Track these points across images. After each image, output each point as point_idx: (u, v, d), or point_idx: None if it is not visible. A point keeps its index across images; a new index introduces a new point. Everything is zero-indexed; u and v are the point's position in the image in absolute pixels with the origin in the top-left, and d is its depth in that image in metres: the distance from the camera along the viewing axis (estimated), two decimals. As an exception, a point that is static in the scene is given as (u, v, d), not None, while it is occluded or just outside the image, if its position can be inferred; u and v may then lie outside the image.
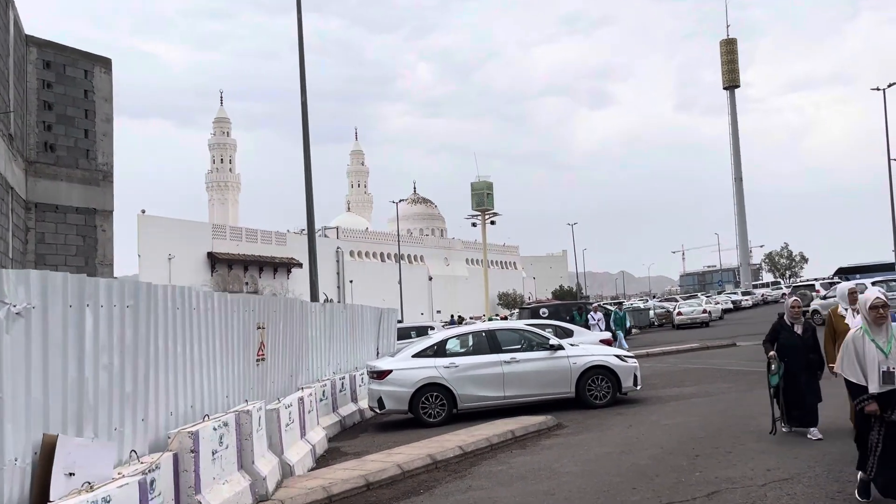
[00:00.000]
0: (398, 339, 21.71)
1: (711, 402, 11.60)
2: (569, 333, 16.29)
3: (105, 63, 16.92)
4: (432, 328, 23.43)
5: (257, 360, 9.39)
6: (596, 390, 12.18)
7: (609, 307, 30.64)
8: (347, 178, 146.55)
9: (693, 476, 7.03)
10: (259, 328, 9.46)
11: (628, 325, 25.73)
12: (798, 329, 8.36)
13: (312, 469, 9.04)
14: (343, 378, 13.33)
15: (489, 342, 12.48)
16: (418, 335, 22.40)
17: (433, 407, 11.86)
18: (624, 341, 23.85)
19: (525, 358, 12.23)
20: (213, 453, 6.44)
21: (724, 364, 17.58)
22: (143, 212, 74.69)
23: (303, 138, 19.84)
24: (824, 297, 30.76)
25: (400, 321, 54.73)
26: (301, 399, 9.78)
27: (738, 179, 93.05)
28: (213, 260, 79.68)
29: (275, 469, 7.83)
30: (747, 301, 63.05)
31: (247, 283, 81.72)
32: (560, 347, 12.36)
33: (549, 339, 12.61)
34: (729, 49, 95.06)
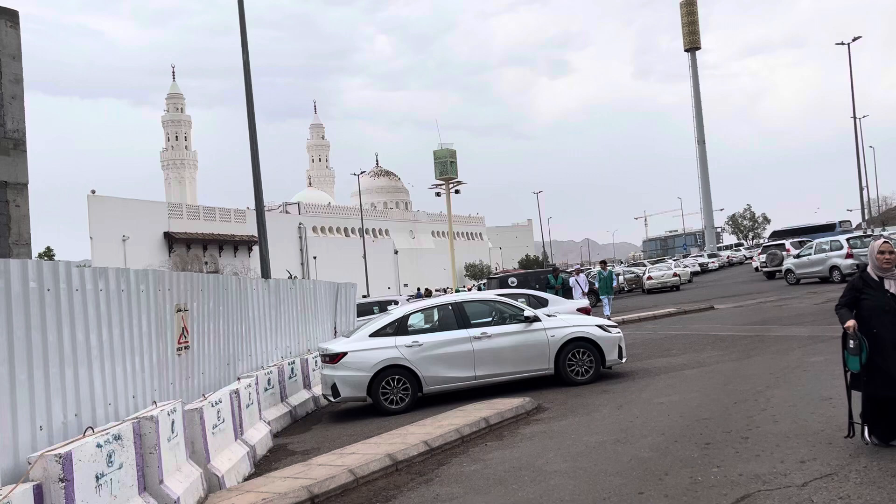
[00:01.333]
0: (361, 316, 20.27)
1: (707, 375, 10.36)
2: (543, 303, 14.95)
3: (11, 16, 14.80)
4: (395, 302, 21.95)
5: (178, 349, 7.82)
6: (577, 365, 10.87)
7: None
8: (308, 153, 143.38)
9: (710, 473, 5.71)
10: (179, 311, 7.88)
11: (615, 285, 23.94)
12: (892, 286, 5.76)
13: (249, 477, 7.55)
14: (293, 363, 11.80)
15: (456, 316, 11.04)
16: (381, 310, 20.92)
17: (395, 392, 10.42)
18: (608, 307, 22.26)
19: (497, 332, 10.85)
20: (98, 478, 4.90)
21: (707, 329, 16.45)
22: (94, 192, 71.54)
23: (246, 101, 18.03)
24: (797, 256, 29.97)
25: (366, 296, 53.25)
26: (236, 392, 8.25)
27: (701, 142, 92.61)
28: (171, 240, 76.94)
29: (195, 485, 6.32)
30: (714, 264, 62.94)
31: (206, 263, 79.15)
32: (536, 319, 10.99)
33: (523, 310, 11.23)
34: (689, 10, 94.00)
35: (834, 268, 26.89)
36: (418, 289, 39.77)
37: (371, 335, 10.71)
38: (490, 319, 11.24)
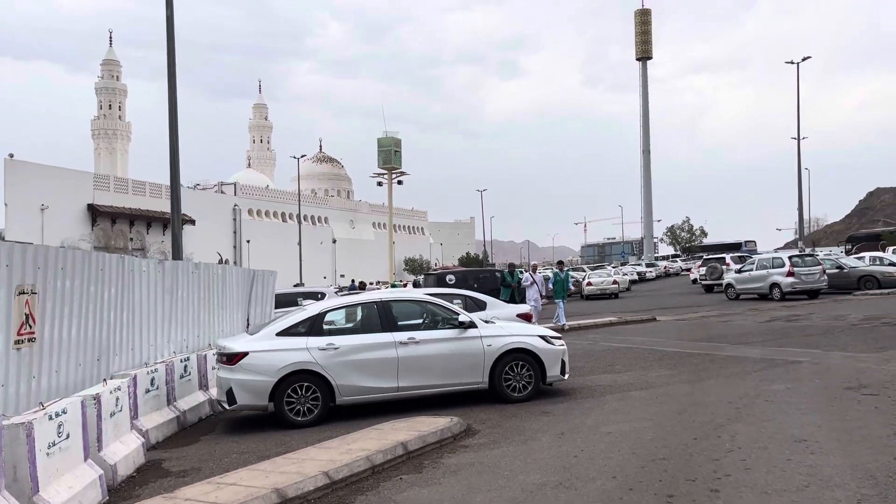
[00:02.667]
0: (283, 307, 18.58)
1: (658, 399, 9.21)
2: (481, 306, 13.64)
3: None
4: (322, 295, 20.29)
5: (18, 342, 6.17)
6: (514, 380, 9.58)
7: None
8: (249, 133, 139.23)
9: (680, 544, 4.45)
10: (23, 293, 6.22)
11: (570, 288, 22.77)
12: None
13: (97, 509, 5.96)
14: (188, 359, 10.15)
15: (381, 317, 9.60)
16: (307, 302, 19.28)
17: (302, 402, 8.91)
18: (563, 312, 20.77)
19: (427, 338, 9.46)
20: None
21: (652, 343, 15.46)
22: (11, 156, 67.02)
23: (167, 63, 16.17)
24: (739, 271, 29.61)
25: (297, 285, 50.98)
26: (95, 398, 6.62)
27: (646, 152, 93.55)
28: (95, 213, 72.76)
29: (3, 529, 4.73)
30: (651, 273, 63.19)
31: (132, 239, 75.39)
32: (472, 325, 9.66)
33: (458, 314, 9.88)
34: (643, 20, 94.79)
35: (774, 285, 26.55)
36: (353, 281, 37.91)
37: (279, 334, 9.18)
38: (420, 322, 9.86)
